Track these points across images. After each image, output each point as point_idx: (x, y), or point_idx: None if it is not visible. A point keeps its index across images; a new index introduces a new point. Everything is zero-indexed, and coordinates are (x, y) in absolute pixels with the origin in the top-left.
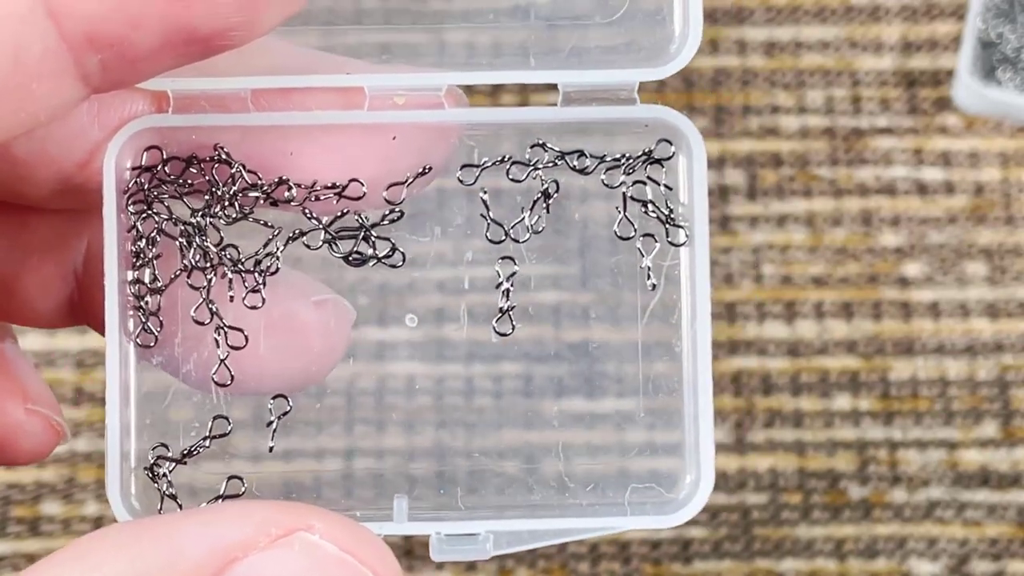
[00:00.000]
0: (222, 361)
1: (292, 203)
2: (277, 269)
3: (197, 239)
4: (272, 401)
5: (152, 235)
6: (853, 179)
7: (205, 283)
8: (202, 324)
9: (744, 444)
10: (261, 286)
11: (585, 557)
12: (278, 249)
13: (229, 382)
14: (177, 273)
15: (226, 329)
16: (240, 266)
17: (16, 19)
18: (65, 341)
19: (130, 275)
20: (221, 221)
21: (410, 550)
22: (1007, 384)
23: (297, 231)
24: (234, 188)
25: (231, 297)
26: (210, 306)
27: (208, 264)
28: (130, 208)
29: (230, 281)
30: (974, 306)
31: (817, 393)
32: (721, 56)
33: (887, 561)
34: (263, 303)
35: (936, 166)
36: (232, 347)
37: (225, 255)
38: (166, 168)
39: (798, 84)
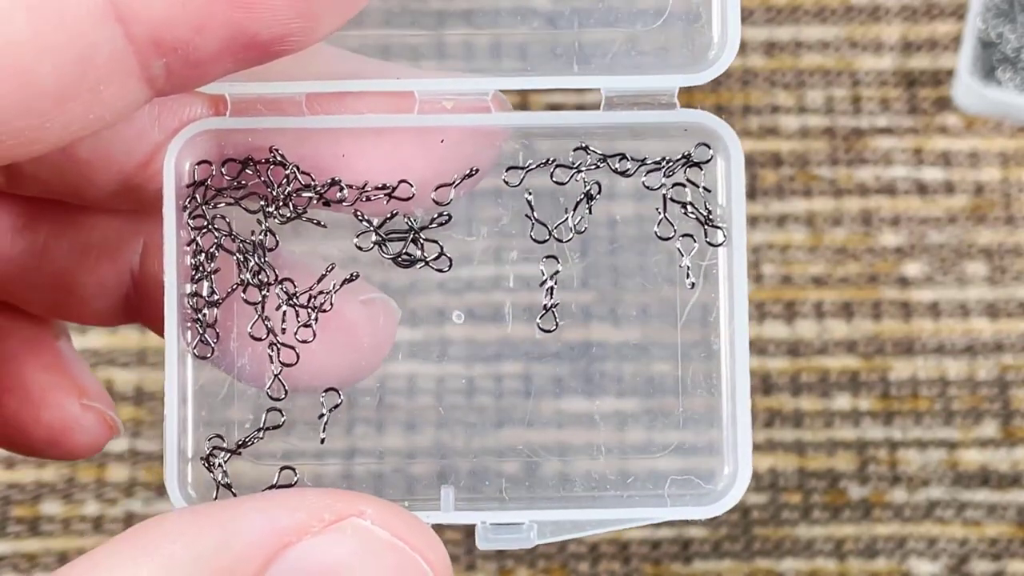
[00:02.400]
0: (276, 376)
1: (344, 203)
2: (330, 307)
3: (254, 259)
4: (324, 395)
5: (211, 250)
6: (853, 179)
7: (260, 298)
8: (258, 339)
9: None
10: (313, 322)
11: (585, 557)
12: (334, 287)
13: (283, 396)
14: (233, 287)
15: (279, 346)
16: (295, 300)
17: (86, 24)
18: (73, 339)
19: (188, 288)
20: (276, 220)
21: None
22: (1007, 384)
23: (354, 273)
24: (288, 188)
25: (283, 330)
26: (265, 323)
27: (263, 281)
28: (189, 223)
29: (283, 313)
30: (974, 306)
31: (817, 393)
32: None
33: (887, 561)
34: (314, 337)
35: (936, 166)
36: (284, 364)
37: (280, 289)
38: (223, 170)
39: (798, 84)
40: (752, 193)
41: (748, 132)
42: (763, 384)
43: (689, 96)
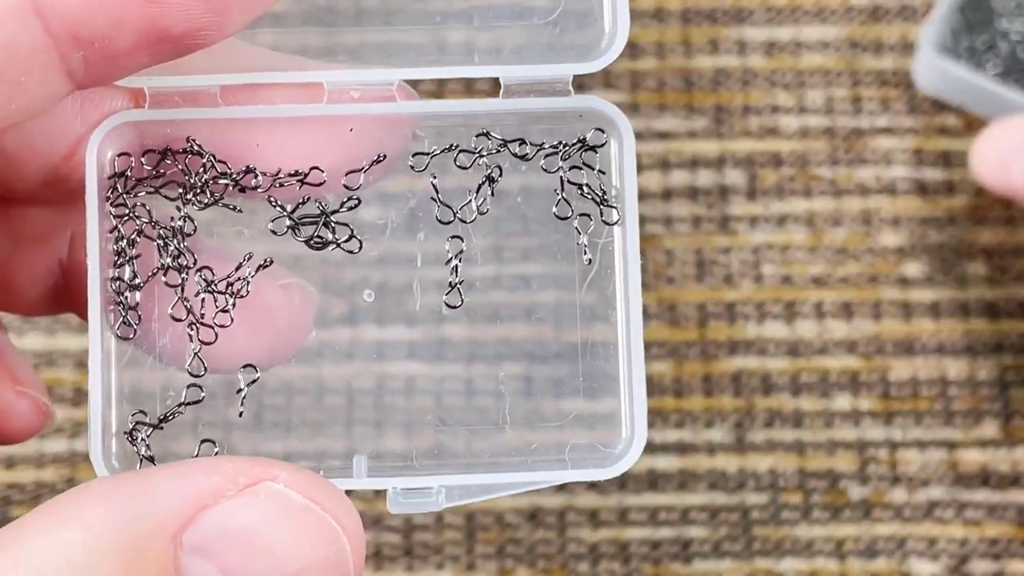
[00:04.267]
0: (196, 354)
1: (258, 190)
2: (247, 293)
3: (173, 243)
4: (242, 370)
5: (132, 236)
6: (853, 179)
7: (180, 282)
8: (178, 320)
9: (744, 444)
10: (231, 307)
11: (585, 557)
12: (250, 274)
13: (202, 373)
14: (154, 271)
15: (199, 325)
16: (213, 287)
17: (6, 17)
18: (65, 341)
19: (111, 272)
20: (194, 207)
21: (410, 550)
22: (1007, 384)
23: (269, 259)
24: (205, 176)
25: (202, 315)
26: (185, 304)
27: (183, 265)
28: (111, 211)
29: (203, 300)
30: (974, 306)
31: (817, 393)
32: (721, 56)
33: (887, 561)
34: (231, 322)
35: (936, 166)
36: (204, 342)
37: (199, 276)
38: (143, 160)
39: (798, 84)
40: (752, 193)
41: (748, 132)
42: (763, 384)
43: (689, 96)
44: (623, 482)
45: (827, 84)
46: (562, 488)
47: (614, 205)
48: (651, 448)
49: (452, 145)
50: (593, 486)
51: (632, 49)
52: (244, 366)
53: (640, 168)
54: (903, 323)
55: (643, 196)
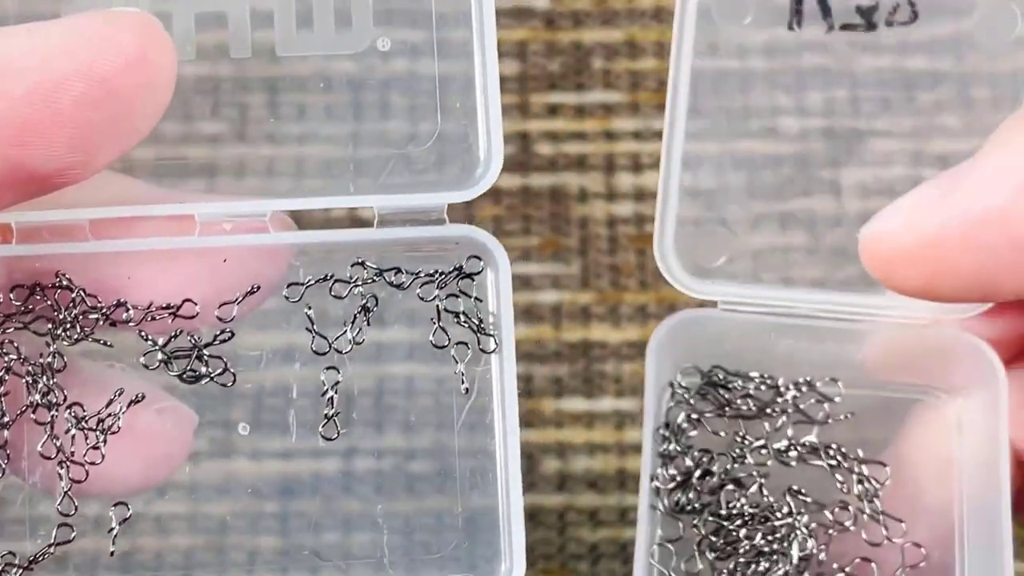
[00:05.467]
0: (66, 493)
1: (130, 323)
2: (118, 429)
3: (43, 380)
4: (113, 508)
5: (0, 374)
6: (853, 179)
7: (50, 419)
8: (49, 458)
9: None
10: (102, 444)
11: (585, 557)
12: (121, 410)
13: (73, 512)
14: (22, 410)
15: (69, 464)
16: (84, 423)
17: None
18: None
19: None
20: (64, 343)
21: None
22: None
23: (140, 395)
24: (75, 311)
25: (72, 452)
26: (55, 442)
27: (52, 402)
28: None
29: (73, 437)
30: None
31: None
32: (721, 56)
33: None
34: (102, 459)
35: (936, 167)
36: (75, 481)
37: (70, 413)
38: (11, 296)
39: (798, 85)
40: (752, 193)
41: (748, 133)
42: None
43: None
44: (623, 482)
45: (827, 85)
46: (562, 487)
47: (491, 333)
48: None
49: (327, 275)
50: (592, 485)
51: (632, 49)
52: (116, 504)
53: (640, 168)
54: None
55: (643, 196)
